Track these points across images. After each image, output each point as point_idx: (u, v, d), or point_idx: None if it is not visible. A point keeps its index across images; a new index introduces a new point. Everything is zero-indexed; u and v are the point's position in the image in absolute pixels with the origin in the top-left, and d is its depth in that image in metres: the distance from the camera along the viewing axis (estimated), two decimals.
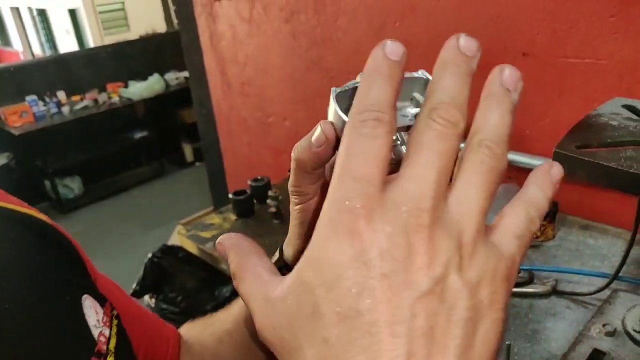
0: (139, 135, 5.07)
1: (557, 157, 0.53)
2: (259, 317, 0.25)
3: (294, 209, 0.36)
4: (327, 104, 0.32)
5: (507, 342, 0.83)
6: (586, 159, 0.51)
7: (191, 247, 1.41)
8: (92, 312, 0.40)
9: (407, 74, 0.35)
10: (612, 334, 0.82)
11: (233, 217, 1.46)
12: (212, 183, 2.69)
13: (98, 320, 0.40)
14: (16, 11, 12.03)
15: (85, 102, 4.66)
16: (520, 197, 0.25)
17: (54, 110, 4.51)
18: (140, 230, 4.12)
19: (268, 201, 1.43)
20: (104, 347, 0.39)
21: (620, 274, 0.85)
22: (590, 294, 0.95)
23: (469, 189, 0.23)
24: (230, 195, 1.46)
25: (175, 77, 4.99)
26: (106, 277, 0.49)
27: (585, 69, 1.15)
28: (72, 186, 4.64)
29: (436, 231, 0.22)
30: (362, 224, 0.22)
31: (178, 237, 1.48)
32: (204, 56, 2.13)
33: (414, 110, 0.32)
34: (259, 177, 1.51)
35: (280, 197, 1.40)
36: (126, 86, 4.92)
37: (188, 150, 5.24)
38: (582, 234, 1.18)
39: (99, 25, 9.44)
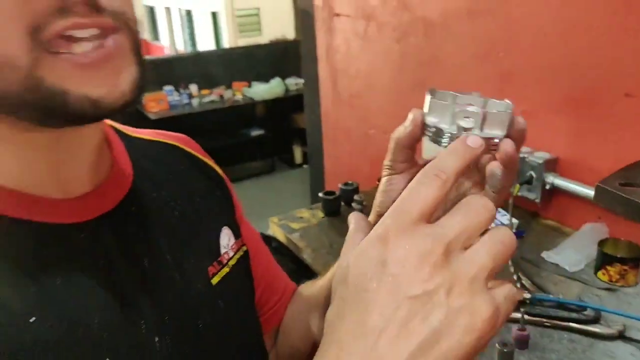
0: (255, 132, 5.43)
1: (598, 191, 0.57)
2: (338, 266, 0.36)
3: (383, 179, 0.48)
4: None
5: None
6: (624, 195, 0.54)
7: (280, 235, 1.55)
8: (226, 238, 0.56)
9: (466, 93, 0.43)
10: None
11: (321, 214, 1.58)
12: (312, 184, 2.84)
13: (227, 244, 0.56)
14: (168, 11, 13.33)
15: (213, 97, 5.09)
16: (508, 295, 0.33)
17: (185, 101, 4.99)
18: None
19: (353, 204, 1.53)
20: (224, 261, 0.55)
21: None
22: None
23: (483, 250, 0.32)
24: (320, 195, 1.58)
25: (294, 82, 5.26)
26: (252, 229, 0.66)
27: None
28: None
29: (443, 262, 0.31)
30: (391, 237, 0.32)
31: (271, 226, 1.63)
32: (319, 66, 2.29)
33: (473, 110, 0.40)
34: (349, 182, 1.62)
35: (364, 202, 1.49)
36: (250, 86, 5.30)
37: (298, 153, 5.51)
38: None
39: (235, 27, 10.19)
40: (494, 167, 0.42)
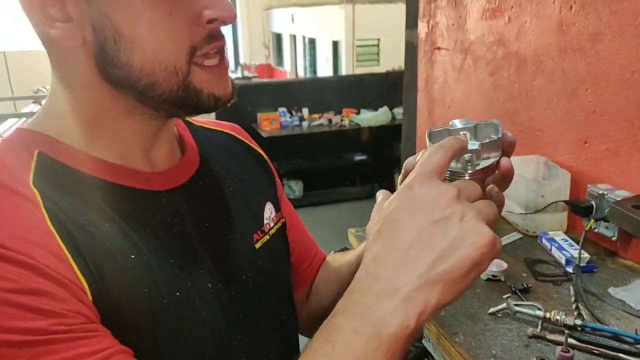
0: (358, 157, 5.61)
1: (612, 210, 0.63)
2: (371, 220, 0.51)
3: None
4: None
5: None
6: (632, 215, 0.60)
7: (355, 245, 1.67)
8: (269, 211, 0.70)
9: (456, 124, 0.52)
10: None
11: None
12: None
13: (269, 217, 0.70)
14: (293, 38, 14.15)
15: (321, 121, 5.38)
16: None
17: (296, 122, 5.32)
18: (337, 238, 4.57)
19: None
20: (266, 230, 0.68)
21: None
22: None
23: (481, 202, 0.46)
24: None
25: (401, 112, 5.38)
26: (290, 206, 0.79)
27: None
28: (294, 188, 5.39)
29: (456, 199, 0.44)
30: (415, 184, 0.45)
31: (349, 236, 1.76)
32: (418, 95, 2.40)
33: (471, 147, 0.51)
34: None
35: None
36: (358, 113, 5.51)
37: (398, 181, 5.59)
38: None
39: (353, 57, 10.56)
40: (490, 190, 0.52)
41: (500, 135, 0.48)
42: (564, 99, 1.53)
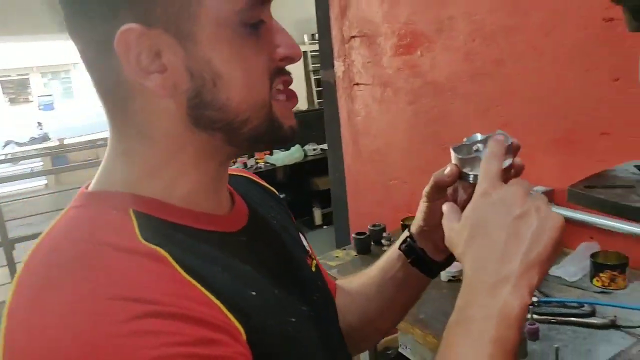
0: None
1: (569, 192, 0.82)
2: (449, 229, 0.56)
3: (422, 206, 0.69)
4: (440, 168, 0.62)
5: (555, 346, 1.06)
6: (587, 193, 0.79)
7: None
8: (304, 239, 0.75)
9: (472, 138, 0.65)
10: None
11: (354, 253, 1.81)
12: (337, 239, 3.08)
13: (306, 245, 0.74)
14: None
15: (237, 165, 5.44)
16: None
17: None
18: None
19: (383, 241, 1.77)
20: (311, 254, 0.73)
21: None
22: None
23: (540, 194, 0.55)
24: (353, 235, 1.83)
25: (312, 148, 5.61)
26: None
27: None
28: None
29: (527, 195, 0.51)
30: (489, 189, 0.52)
31: None
32: (342, 129, 2.60)
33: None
34: (376, 224, 1.87)
35: (392, 239, 1.73)
36: (271, 154, 5.65)
37: (317, 214, 5.75)
38: None
39: None
40: None
41: (511, 141, 0.59)
42: (479, 116, 1.78)
